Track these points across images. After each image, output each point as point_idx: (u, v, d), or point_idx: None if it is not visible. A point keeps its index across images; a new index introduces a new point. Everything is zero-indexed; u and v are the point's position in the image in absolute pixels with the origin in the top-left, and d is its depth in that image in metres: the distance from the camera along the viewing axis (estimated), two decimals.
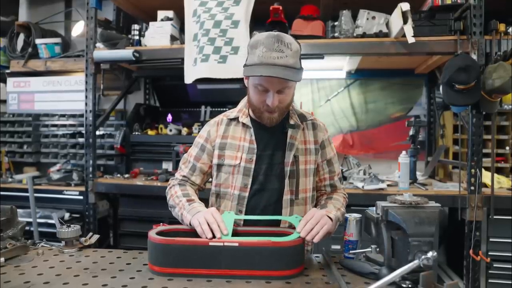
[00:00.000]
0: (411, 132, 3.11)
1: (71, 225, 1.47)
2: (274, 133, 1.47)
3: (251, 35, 2.73)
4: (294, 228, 1.32)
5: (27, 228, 2.99)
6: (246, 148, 1.46)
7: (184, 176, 1.55)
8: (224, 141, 1.49)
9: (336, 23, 2.75)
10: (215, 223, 1.24)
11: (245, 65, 1.36)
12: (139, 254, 1.41)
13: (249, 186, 1.45)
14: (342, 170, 3.11)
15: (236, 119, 1.51)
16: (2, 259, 1.28)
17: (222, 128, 1.51)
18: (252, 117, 1.49)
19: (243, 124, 1.49)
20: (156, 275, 1.20)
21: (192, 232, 1.32)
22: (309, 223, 1.28)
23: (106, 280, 1.15)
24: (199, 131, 3.16)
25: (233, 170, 1.46)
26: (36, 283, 1.12)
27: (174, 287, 1.11)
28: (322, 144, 1.55)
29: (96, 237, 1.51)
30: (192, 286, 1.12)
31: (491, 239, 2.58)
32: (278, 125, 1.47)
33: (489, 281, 2.57)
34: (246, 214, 1.45)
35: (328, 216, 1.35)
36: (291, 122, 1.48)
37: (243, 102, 1.55)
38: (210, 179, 1.59)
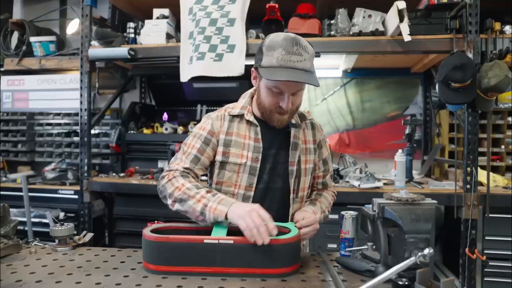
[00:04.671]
0: (407, 131, 3.11)
1: (65, 223, 1.45)
2: (277, 132, 1.46)
3: (247, 33, 2.72)
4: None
5: (21, 228, 2.98)
6: (252, 147, 1.44)
7: (186, 168, 1.41)
8: (229, 138, 1.46)
9: (332, 22, 2.74)
10: (262, 225, 1.15)
11: (260, 66, 1.33)
12: (133, 253, 1.39)
13: (254, 185, 1.44)
14: (338, 168, 3.12)
15: (239, 116, 1.48)
16: None
17: (225, 124, 1.47)
18: (256, 116, 1.48)
19: (248, 122, 1.46)
20: (150, 273, 1.18)
21: (187, 230, 1.31)
22: (306, 228, 1.36)
23: (99, 278, 1.14)
24: None
25: (239, 168, 1.44)
26: (28, 282, 1.10)
27: (169, 285, 1.10)
28: (319, 144, 1.58)
29: (90, 235, 1.50)
30: (187, 284, 1.11)
31: (486, 237, 2.59)
32: None
33: (485, 279, 2.58)
34: None
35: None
36: (293, 121, 1.48)
37: (245, 99, 1.52)
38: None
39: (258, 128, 1.45)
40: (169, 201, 1.35)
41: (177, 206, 1.33)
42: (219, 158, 1.46)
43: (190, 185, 1.33)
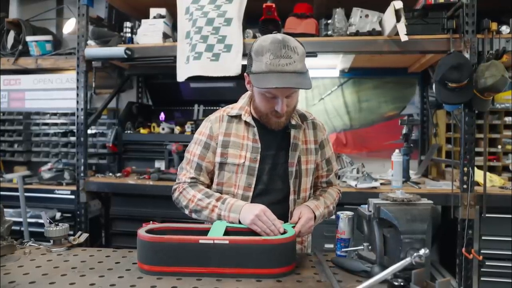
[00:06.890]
0: (404, 131, 3.11)
1: (59, 224, 1.44)
2: (276, 133, 1.46)
3: (244, 33, 2.72)
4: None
5: (17, 228, 2.97)
6: (250, 147, 1.44)
7: (192, 178, 1.48)
8: (227, 138, 1.46)
9: (329, 21, 2.74)
10: (271, 225, 1.29)
11: (251, 72, 1.33)
12: (128, 253, 1.39)
13: (253, 186, 1.44)
14: None
15: (237, 116, 1.48)
16: None
17: (224, 125, 1.48)
18: (254, 116, 1.47)
19: (246, 123, 1.46)
20: (145, 274, 1.18)
21: (182, 230, 1.30)
22: (301, 226, 1.36)
23: (94, 279, 1.13)
24: (192, 130, 3.20)
25: (237, 169, 1.44)
26: (21, 283, 1.09)
27: (163, 286, 1.10)
28: (321, 144, 1.56)
29: (85, 235, 1.49)
30: (182, 285, 1.10)
31: (483, 237, 2.58)
32: None
33: (482, 279, 2.58)
34: None
35: (313, 212, 1.43)
36: (293, 122, 1.47)
37: (244, 99, 1.52)
38: None
39: (255, 129, 1.44)
40: (186, 211, 1.48)
41: (194, 216, 1.46)
42: (217, 159, 1.46)
43: (200, 195, 1.42)
